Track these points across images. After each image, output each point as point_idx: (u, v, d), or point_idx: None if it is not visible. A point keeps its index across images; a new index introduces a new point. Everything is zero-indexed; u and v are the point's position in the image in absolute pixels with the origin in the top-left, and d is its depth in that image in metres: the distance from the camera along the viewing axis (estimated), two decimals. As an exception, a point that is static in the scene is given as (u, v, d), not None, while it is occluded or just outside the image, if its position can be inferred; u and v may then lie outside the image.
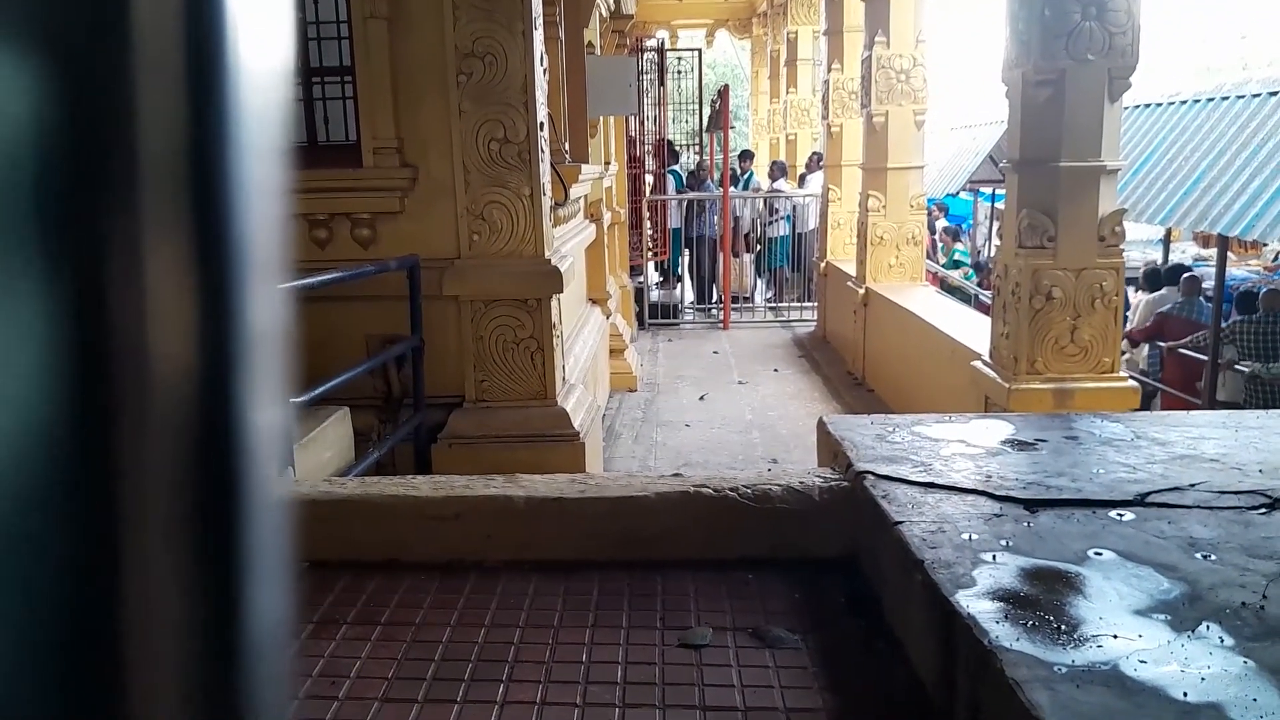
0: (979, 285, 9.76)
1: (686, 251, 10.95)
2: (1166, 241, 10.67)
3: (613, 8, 8.28)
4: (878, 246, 7.11)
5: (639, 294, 9.69)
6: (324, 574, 2.28)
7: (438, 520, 2.34)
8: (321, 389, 3.06)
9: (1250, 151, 6.57)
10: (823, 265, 8.86)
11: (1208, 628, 1.58)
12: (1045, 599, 1.70)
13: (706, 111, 11.45)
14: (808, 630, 2.06)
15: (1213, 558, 1.86)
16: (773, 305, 10.80)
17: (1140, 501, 2.16)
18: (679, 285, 11.00)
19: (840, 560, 2.33)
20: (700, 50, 12.13)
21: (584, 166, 5.54)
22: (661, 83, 10.15)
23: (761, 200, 11.30)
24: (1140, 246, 13.46)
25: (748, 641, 2.01)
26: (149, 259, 0.21)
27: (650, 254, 10.21)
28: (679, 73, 11.21)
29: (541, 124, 3.97)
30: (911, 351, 6.08)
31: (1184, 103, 7.95)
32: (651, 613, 2.12)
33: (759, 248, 11.34)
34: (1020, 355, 4.08)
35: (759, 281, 11.48)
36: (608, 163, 7.46)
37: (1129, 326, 7.64)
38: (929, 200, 8.85)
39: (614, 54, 8.54)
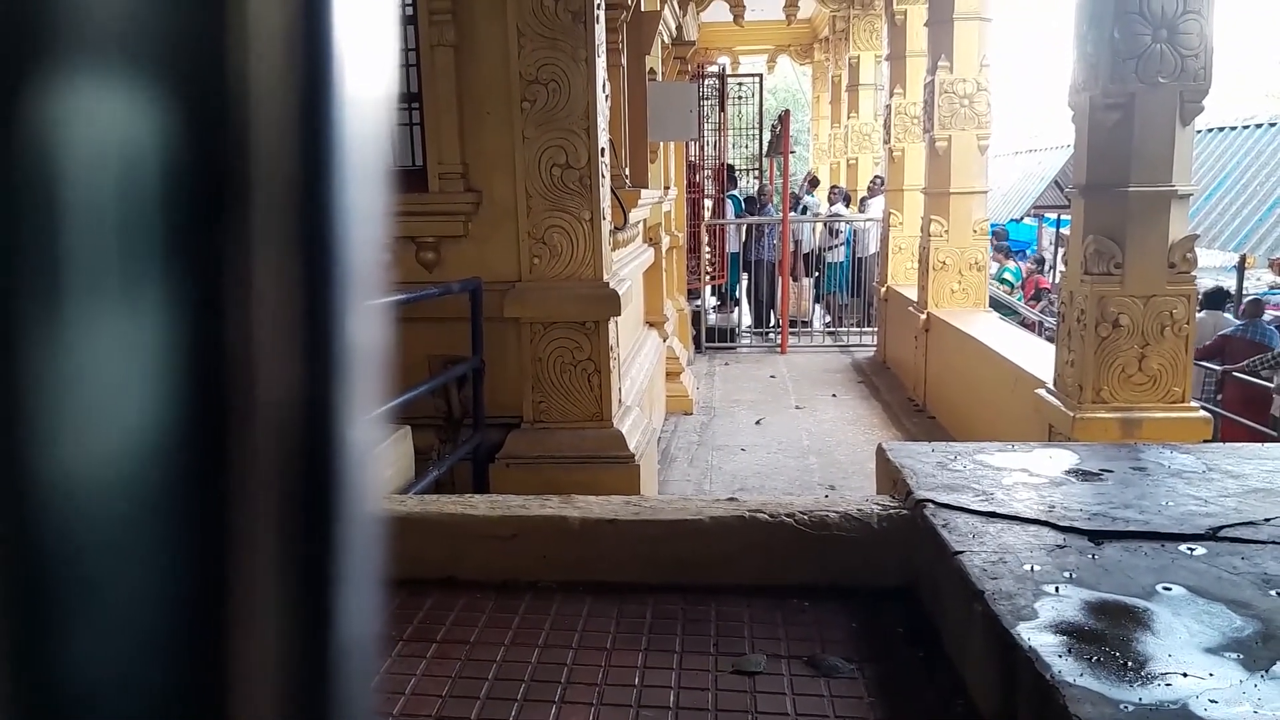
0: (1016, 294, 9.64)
1: (745, 275, 10.93)
2: (1241, 268, 10.35)
3: (675, 35, 8.36)
4: (940, 272, 7.02)
5: (696, 317, 9.70)
6: (382, 590, 2.31)
7: (495, 539, 2.36)
8: (384, 408, 3.11)
9: (1331, 176, 6.36)
10: (883, 290, 8.78)
11: (1283, 668, 1.52)
12: (1111, 634, 1.65)
13: (767, 136, 11.45)
14: (864, 660, 2.03)
15: (1289, 596, 1.79)
16: (831, 330, 10.71)
17: (1212, 536, 2.09)
18: (736, 309, 10.97)
19: (899, 589, 2.30)
20: (761, 76, 12.15)
21: (643, 191, 5.58)
22: (722, 108, 10.19)
23: (823, 224, 11.25)
24: (1214, 274, 13.09)
25: (803, 670, 1.99)
26: (259, 279, 0.23)
27: (708, 278, 10.22)
28: (740, 98, 11.24)
29: (603, 149, 4.01)
30: (974, 378, 5.98)
31: (1259, 126, 7.73)
32: (705, 638, 2.11)
33: (817, 273, 11.29)
34: (1086, 384, 3.99)
35: (816, 306, 11.42)
36: (667, 187, 7.51)
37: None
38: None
39: (675, 80, 8.61)
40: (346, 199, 0.24)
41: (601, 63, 4.01)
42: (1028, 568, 1.92)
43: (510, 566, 2.35)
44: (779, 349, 9.90)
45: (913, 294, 7.58)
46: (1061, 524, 2.14)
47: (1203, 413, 4.07)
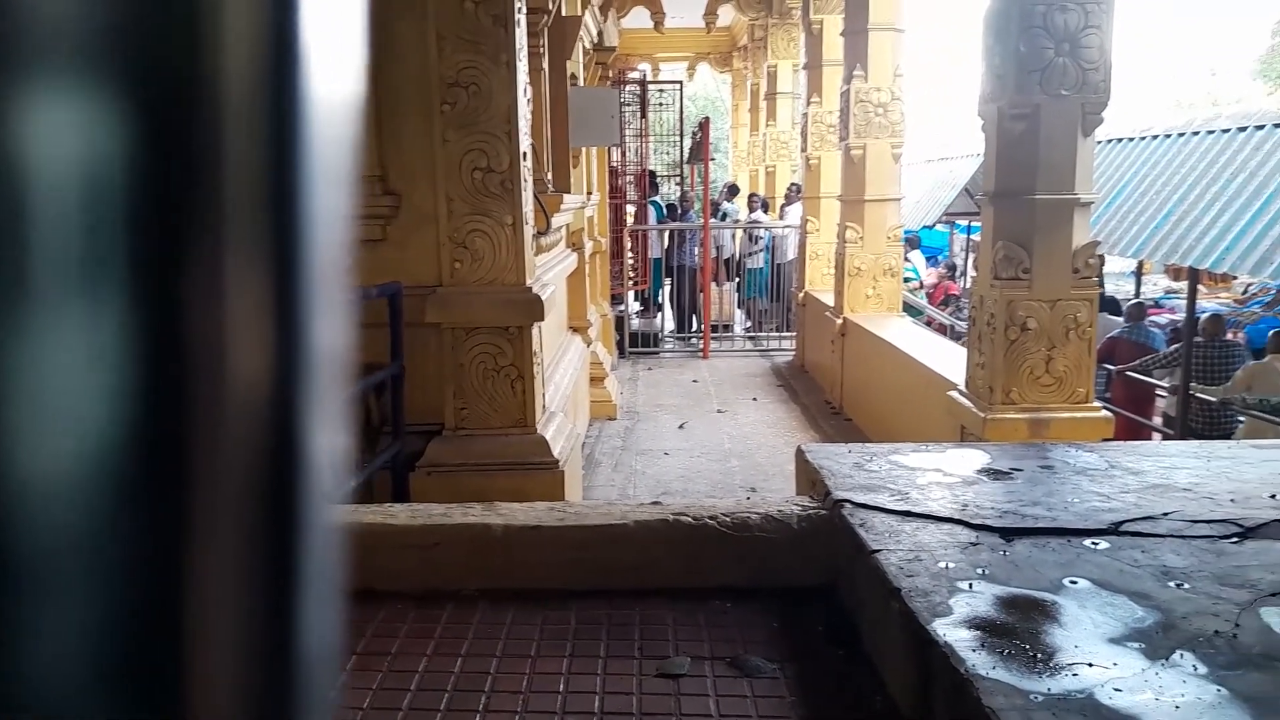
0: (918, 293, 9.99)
1: (668, 280, 11.01)
2: (1139, 274, 10.83)
3: (596, 40, 8.37)
4: (855, 277, 7.17)
5: (620, 322, 9.72)
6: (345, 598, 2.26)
7: (416, 549, 2.33)
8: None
9: (1220, 186, 6.70)
10: (801, 295, 8.93)
11: (1181, 656, 1.59)
12: (1021, 627, 1.71)
13: (688, 143, 11.55)
14: (786, 659, 2.06)
15: (1186, 586, 1.88)
16: (752, 335, 10.86)
17: (1114, 530, 2.18)
18: (659, 314, 11.05)
19: (819, 588, 2.34)
20: (681, 83, 12.25)
21: (566, 196, 5.57)
22: (643, 114, 10.24)
23: (743, 230, 11.41)
24: (1114, 279, 13.67)
25: (726, 671, 2.01)
26: (228, 285, 0.23)
27: (631, 283, 10.26)
28: (660, 105, 11.31)
29: (525, 154, 3.99)
30: (889, 381, 6.13)
31: (1155, 137, 8.11)
32: (629, 642, 2.11)
33: (738, 279, 11.44)
34: (996, 385, 4.12)
35: (738, 311, 11.57)
36: (590, 193, 7.51)
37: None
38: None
39: (597, 85, 8.62)
40: (315, 202, 0.24)
41: (523, 66, 3.99)
42: (942, 565, 1.97)
43: (432, 576, 2.32)
44: (701, 354, 9.99)
45: (830, 299, 7.73)
46: (974, 522, 2.21)
47: (1105, 412, 4.24)
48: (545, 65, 5.49)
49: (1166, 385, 7.08)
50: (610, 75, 9.57)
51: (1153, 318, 9.21)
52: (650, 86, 11.05)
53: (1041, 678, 1.53)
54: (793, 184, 11.24)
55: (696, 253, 10.46)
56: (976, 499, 2.38)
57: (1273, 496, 2.39)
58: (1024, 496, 2.41)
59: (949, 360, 5.26)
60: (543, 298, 4.02)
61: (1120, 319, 8.37)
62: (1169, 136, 7.91)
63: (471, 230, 3.95)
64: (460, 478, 3.92)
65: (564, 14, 6.08)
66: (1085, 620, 1.74)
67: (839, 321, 7.24)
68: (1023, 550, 2.07)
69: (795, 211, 10.22)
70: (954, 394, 4.52)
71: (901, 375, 5.79)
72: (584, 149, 6.98)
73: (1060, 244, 4.08)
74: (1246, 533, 2.15)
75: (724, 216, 12.09)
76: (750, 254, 11.17)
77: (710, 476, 5.90)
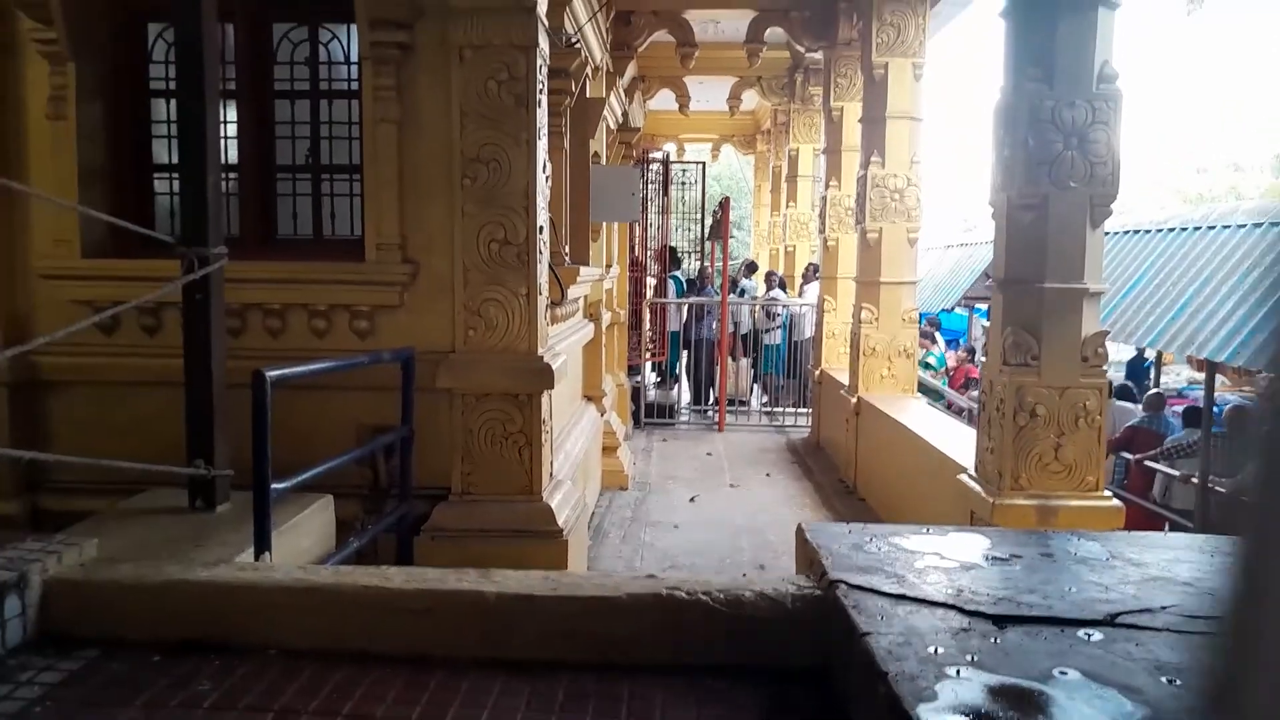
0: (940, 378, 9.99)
1: (685, 353, 11.10)
2: (1157, 364, 10.79)
3: (621, 120, 8.60)
4: (870, 357, 7.21)
5: (636, 393, 9.77)
6: (291, 662, 2.27)
7: (409, 613, 2.33)
8: (305, 475, 3.08)
9: (1236, 279, 6.72)
10: (818, 373, 8.95)
11: (1167, 753, 1.57)
12: (1006, 716, 1.69)
13: (709, 221, 11.75)
14: (773, 741, 2.03)
15: (1178, 682, 1.85)
16: (768, 410, 10.87)
17: (1110, 622, 2.16)
18: (676, 386, 11.10)
19: (811, 669, 2.32)
20: (704, 163, 12.50)
21: (583, 269, 5.68)
22: (666, 192, 10.44)
23: (760, 306, 11.52)
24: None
25: (711, 750, 1.98)
26: None
27: (649, 354, 10.34)
28: (683, 184, 11.54)
29: (541, 227, 4.09)
30: (901, 462, 6.10)
31: (1172, 230, 8.16)
32: (615, 718, 2.10)
33: (755, 354, 11.51)
34: (1005, 471, 4.11)
35: (754, 386, 11.61)
36: (609, 266, 7.63)
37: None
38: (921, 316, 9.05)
39: (621, 164, 8.82)
40: None
41: (543, 145, 4.12)
42: (932, 650, 1.96)
43: (423, 642, 2.32)
44: (717, 427, 9.99)
45: (845, 378, 7.75)
46: (968, 607, 2.19)
47: (1115, 501, 4.20)
48: (567, 144, 5.65)
49: (1178, 474, 7.03)
50: (634, 154, 9.80)
51: (1173, 408, 9.17)
52: (674, 166, 11.29)
53: (1024, 769, 1.51)
54: (811, 264, 11.37)
55: (715, 327, 10.55)
56: (973, 584, 2.37)
57: (1274, 593, 2.36)
58: (1021, 584, 2.39)
59: (961, 443, 5.25)
60: (554, 366, 4.07)
61: (1136, 406, 8.35)
62: (1185, 230, 7.97)
63: (486, 299, 4.03)
64: (464, 543, 3.93)
65: (588, 95, 6.27)
66: (1073, 712, 1.72)
67: (853, 401, 7.24)
68: (1015, 638, 2.05)
69: (813, 290, 10.31)
70: (964, 478, 4.50)
71: (914, 457, 5.77)
72: (605, 224, 7.12)
73: (1069, 332, 4.10)
74: (1245, 629, 2.12)
75: (742, 293, 12.21)
76: (768, 330, 11.25)
77: (720, 552, 5.86)
